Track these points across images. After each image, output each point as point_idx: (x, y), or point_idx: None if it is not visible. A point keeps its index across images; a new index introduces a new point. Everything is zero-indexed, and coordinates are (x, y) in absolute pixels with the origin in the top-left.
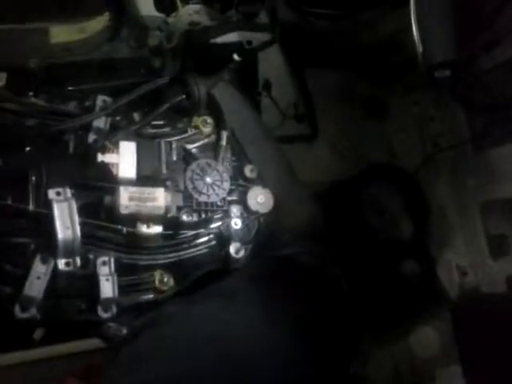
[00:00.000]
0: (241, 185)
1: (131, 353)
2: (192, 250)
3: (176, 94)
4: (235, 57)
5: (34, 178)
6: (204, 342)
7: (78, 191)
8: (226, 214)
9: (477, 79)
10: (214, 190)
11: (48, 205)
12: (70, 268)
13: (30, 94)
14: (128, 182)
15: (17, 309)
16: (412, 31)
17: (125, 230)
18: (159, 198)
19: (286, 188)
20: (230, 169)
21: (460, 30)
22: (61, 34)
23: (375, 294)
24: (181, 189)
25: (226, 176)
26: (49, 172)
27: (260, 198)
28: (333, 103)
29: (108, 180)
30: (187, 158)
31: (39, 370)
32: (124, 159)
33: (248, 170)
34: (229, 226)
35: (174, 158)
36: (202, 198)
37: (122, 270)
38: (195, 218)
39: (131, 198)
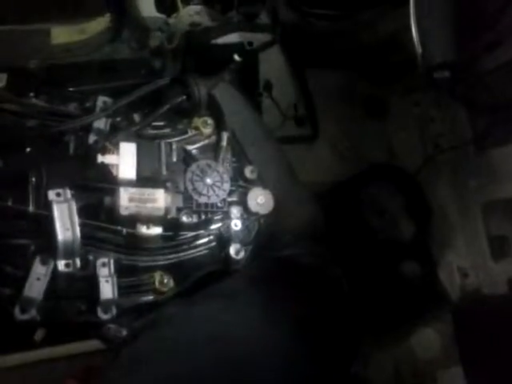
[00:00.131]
0: (241, 186)
1: (131, 354)
2: (192, 251)
3: (176, 94)
4: (236, 57)
5: (34, 179)
6: (204, 342)
7: (78, 192)
8: (226, 215)
9: (479, 79)
10: (214, 191)
11: (48, 206)
12: (70, 269)
13: (31, 94)
14: (128, 183)
15: (16, 310)
16: (411, 32)
17: (125, 231)
18: (159, 199)
19: (287, 189)
20: (230, 170)
21: (461, 31)
22: (61, 34)
23: (376, 295)
24: (181, 190)
25: (226, 177)
26: (49, 173)
27: (260, 199)
28: (333, 103)
29: (108, 181)
30: (187, 159)
31: (39, 371)
32: (124, 160)
33: (248, 171)
34: (229, 227)
35: (174, 159)
36: (202, 199)
37: (121, 271)
38: (195, 219)
39: (131, 199)
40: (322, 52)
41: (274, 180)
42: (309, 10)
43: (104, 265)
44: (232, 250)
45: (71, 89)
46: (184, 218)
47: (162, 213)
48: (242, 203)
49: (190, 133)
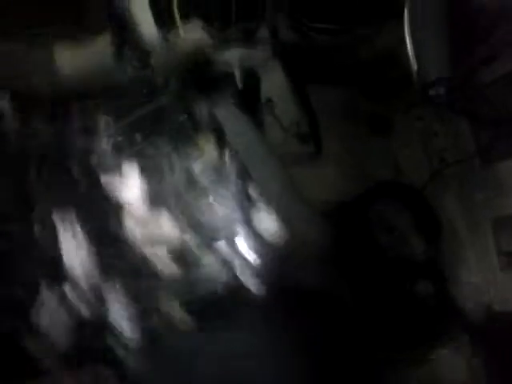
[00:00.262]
0: (246, 205)
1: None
2: (200, 274)
3: (178, 113)
4: (236, 74)
5: (39, 203)
6: (206, 358)
7: (83, 215)
8: (233, 235)
9: (478, 93)
10: (218, 211)
11: (53, 230)
12: (78, 294)
13: (34, 114)
14: (132, 204)
15: (26, 338)
16: (407, 47)
17: (131, 253)
18: (163, 220)
19: (292, 208)
20: (234, 189)
21: (456, 45)
22: (64, 52)
23: (389, 316)
24: (185, 210)
25: (230, 196)
26: (53, 196)
27: (267, 222)
28: (336, 120)
29: (112, 202)
30: (190, 178)
31: None
32: (127, 181)
33: (252, 191)
34: (236, 247)
35: (178, 179)
36: (207, 220)
37: (129, 296)
38: (201, 240)
39: (135, 221)
40: (323, 68)
41: (279, 199)
42: (309, 23)
43: (112, 290)
44: (240, 275)
45: (74, 108)
46: (189, 240)
47: (166, 234)
48: (248, 225)
49: (193, 152)
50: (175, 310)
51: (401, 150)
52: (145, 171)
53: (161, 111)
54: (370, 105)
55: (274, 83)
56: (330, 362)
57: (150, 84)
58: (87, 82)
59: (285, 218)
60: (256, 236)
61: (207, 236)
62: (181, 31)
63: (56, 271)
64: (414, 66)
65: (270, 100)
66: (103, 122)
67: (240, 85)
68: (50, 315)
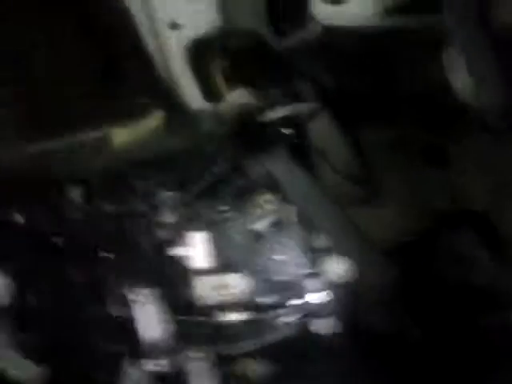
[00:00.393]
0: (315, 257)
1: None
2: (276, 332)
3: (235, 177)
4: (285, 131)
5: (111, 282)
6: None
7: (155, 288)
8: (305, 290)
9: None
10: (287, 268)
11: (128, 307)
12: (160, 368)
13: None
14: (202, 273)
15: None
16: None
17: (206, 320)
18: (235, 284)
19: (358, 252)
20: (301, 243)
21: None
22: (118, 136)
23: (465, 354)
24: (255, 271)
25: (298, 251)
26: (125, 273)
27: (338, 268)
28: (390, 157)
29: (182, 273)
30: (257, 238)
31: None
32: (195, 250)
33: (319, 241)
34: (310, 302)
35: (244, 241)
36: (278, 277)
37: (213, 362)
38: (273, 298)
39: (208, 289)
40: (370, 108)
41: (345, 245)
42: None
43: (193, 358)
44: (314, 325)
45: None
46: (262, 300)
47: (239, 298)
48: (318, 274)
49: (255, 212)
50: (257, 371)
51: (459, 178)
52: (212, 238)
53: (218, 178)
54: (423, 136)
55: (323, 132)
56: None
57: (201, 152)
58: (143, 156)
59: (351, 261)
60: (326, 284)
61: (280, 294)
62: (227, 98)
63: (135, 346)
64: (468, 94)
65: (320, 147)
66: (166, 196)
67: (290, 140)
68: None
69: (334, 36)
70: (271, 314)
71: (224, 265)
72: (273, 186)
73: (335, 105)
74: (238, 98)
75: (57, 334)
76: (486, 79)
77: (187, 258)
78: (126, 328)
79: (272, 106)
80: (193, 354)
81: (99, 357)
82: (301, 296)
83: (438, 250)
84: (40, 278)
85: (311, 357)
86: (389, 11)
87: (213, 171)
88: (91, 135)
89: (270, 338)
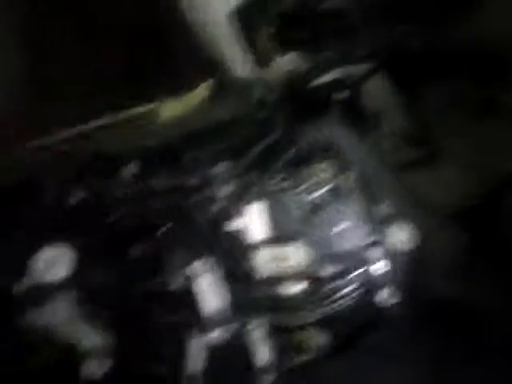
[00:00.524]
0: (376, 225)
1: None
2: (337, 303)
3: (289, 145)
4: (338, 95)
5: (170, 258)
6: None
7: (214, 262)
8: (367, 260)
9: None
10: (348, 237)
11: (187, 280)
12: (223, 339)
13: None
14: (260, 245)
15: None
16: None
17: (267, 292)
18: (294, 256)
19: (421, 218)
20: (361, 211)
21: None
22: (167, 111)
23: None
24: (314, 242)
25: (358, 220)
26: (182, 248)
27: (401, 236)
28: (447, 116)
29: (240, 246)
30: (315, 208)
31: None
32: (252, 222)
33: (381, 209)
34: (371, 272)
35: (302, 211)
36: (338, 248)
37: (271, 333)
38: (334, 269)
39: (266, 260)
40: (424, 66)
41: (407, 212)
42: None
43: (255, 329)
44: (378, 297)
45: (186, 160)
46: (322, 271)
47: (299, 269)
48: (382, 243)
49: (312, 181)
50: (319, 343)
51: None
52: (268, 209)
53: (271, 147)
54: (478, 91)
55: (377, 94)
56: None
57: (252, 120)
58: (192, 129)
59: (414, 228)
60: (388, 253)
61: (340, 264)
62: (276, 63)
63: (195, 318)
64: None
65: (376, 111)
66: (220, 168)
67: (344, 104)
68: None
69: None
70: (331, 284)
71: (281, 236)
72: (328, 153)
73: (389, 65)
74: (287, 63)
75: (120, 306)
76: None
77: (243, 229)
78: (186, 301)
79: (323, 69)
80: (252, 325)
81: (161, 329)
82: (362, 266)
83: (502, 213)
84: (103, 253)
85: (372, 327)
86: None
87: (265, 140)
88: (139, 111)
89: (330, 308)
